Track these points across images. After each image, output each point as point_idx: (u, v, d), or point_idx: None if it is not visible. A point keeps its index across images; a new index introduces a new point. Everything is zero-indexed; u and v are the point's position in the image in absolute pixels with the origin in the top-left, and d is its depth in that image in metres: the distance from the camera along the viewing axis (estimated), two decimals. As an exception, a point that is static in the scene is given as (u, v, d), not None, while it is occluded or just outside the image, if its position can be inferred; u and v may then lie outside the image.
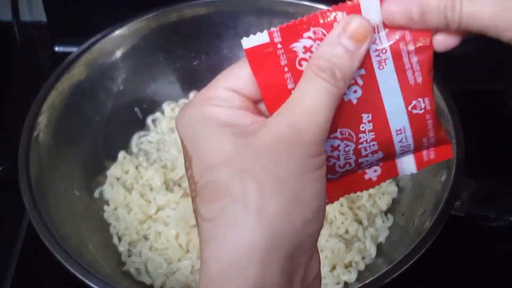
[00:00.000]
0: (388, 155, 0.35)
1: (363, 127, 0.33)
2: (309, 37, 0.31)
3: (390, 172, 0.36)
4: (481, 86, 0.76)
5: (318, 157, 0.30)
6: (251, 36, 0.31)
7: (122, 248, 0.62)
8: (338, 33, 0.31)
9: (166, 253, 0.61)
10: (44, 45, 0.80)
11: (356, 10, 0.31)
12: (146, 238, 0.63)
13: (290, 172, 0.29)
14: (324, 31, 0.31)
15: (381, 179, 0.36)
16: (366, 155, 0.34)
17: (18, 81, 0.79)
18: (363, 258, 0.61)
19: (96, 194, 0.66)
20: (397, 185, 0.66)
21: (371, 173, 0.36)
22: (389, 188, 0.66)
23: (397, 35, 0.32)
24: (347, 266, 0.61)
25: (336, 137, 0.33)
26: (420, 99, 0.33)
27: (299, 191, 0.29)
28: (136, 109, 0.71)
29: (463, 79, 0.75)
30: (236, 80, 0.32)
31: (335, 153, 0.34)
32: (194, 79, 0.72)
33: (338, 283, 0.59)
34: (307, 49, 0.31)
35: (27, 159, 0.57)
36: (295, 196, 0.29)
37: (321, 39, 0.31)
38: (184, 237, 0.61)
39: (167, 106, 0.72)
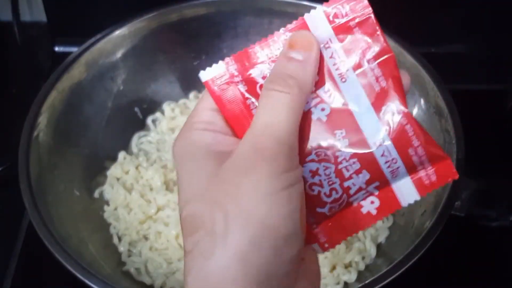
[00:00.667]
0: (377, 176, 0.33)
1: None
2: (263, 62, 0.32)
3: (391, 203, 0.34)
4: (481, 86, 0.76)
5: (283, 174, 0.29)
6: (207, 68, 0.32)
7: (122, 248, 0.62)
8: (285, 50, 0.31)
9: (166, 253, 0.61)
10: (44, 45, 0.80)
11: (303, 26, 0.32)
12: (146, 238, 0.63)
13: (253, 196, 0.28)
14: (278, 54, 0.32)
15: (382, 211, 0.34)
16: (350, 177, 0.33)
17: (18, 81, 0.79)
18: (363, 258, 0.61)
19: (96, 194, 0.66)
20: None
21: (368, 206, 0.34)
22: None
23: (352, 45, 0.32)
24: (347, 266, 0.61)
25: (313, 160, 0.32)
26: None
27: (265, 215, 0.28)
28: (136, 109, 0.71)
29: (463, 79, 0.75)
30: None
31: (317, 179, 0.32)
32: (194, 79, 0.71)
33: (338, 283, 0.59)
34: (265, 75, 0.32)
35: (27, 159, 0.57)
36: (260, 221, 0.28)
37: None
38: (184, 237, 0.61)
39: (167, 106, 0.72)
